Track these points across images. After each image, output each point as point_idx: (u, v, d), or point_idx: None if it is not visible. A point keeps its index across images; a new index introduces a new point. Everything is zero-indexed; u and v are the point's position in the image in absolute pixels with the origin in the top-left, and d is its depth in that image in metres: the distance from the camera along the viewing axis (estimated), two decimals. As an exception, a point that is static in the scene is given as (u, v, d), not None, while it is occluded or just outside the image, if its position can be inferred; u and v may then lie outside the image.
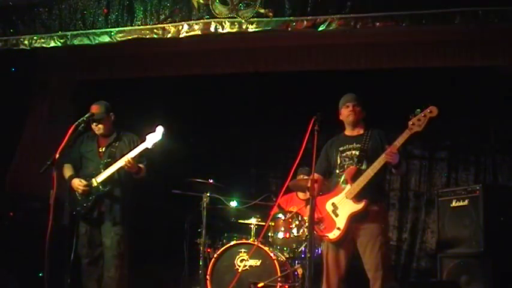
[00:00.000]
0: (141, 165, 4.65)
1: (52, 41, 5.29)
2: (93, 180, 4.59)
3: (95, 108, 4.66)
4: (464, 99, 5.99)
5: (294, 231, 5.22)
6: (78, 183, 4.60)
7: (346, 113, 4.26)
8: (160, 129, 4.53)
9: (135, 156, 4.52)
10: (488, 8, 4.35)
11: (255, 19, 4.79)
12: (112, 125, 4.81)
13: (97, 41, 5.19)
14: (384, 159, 3.92)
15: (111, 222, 4.60)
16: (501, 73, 5.47)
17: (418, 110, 3.89)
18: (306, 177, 5.41)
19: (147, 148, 4.52)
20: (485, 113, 5.99)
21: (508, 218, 4.78)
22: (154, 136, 4.52)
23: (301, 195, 5.78)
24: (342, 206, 4.04)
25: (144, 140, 4.55)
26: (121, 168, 4.54)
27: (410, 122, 3.90)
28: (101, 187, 4.58)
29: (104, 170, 4.59)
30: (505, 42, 5.10)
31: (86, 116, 4.49)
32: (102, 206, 4.62)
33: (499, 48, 5.21)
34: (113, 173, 4.57)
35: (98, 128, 4.72)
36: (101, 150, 4.74)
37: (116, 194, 4.65)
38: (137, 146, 4.57)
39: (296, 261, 5.14)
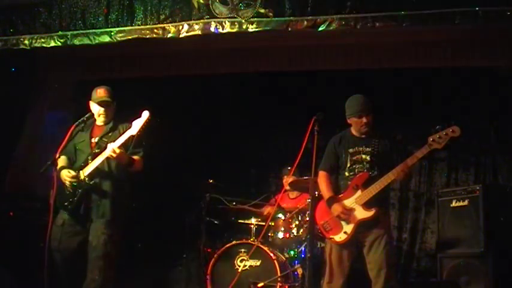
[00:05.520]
0: (135, 157, 4.22)
1: (52, 41, 5.28)
2: (81, 172, 4.14)
3: (102, 92, 4.31)
4: (464, 99, 5.99)
5: (294, 231, 5.23)
6: (66, 175, 4.13)
7: (359, 123, 4.09)
8: (145, 114, 4.11)
9: (120, 146, 4.06)
10: (488, 8, 4.35)
11: (255, 19, 4.79)
12: (113, 114, 4.39)
13: (97, 41, 5.18)
14: (397, 175, 3.84)
15: (99, 219, 4.12)
16: (501, 73, 5.47)
17: (439, 126, 3.82)
18: (286, 177, 5.56)
19: (132, 136, 4.11)
20: (485, 113, 5.99)
21: (508, 218, 4.78)
22: (139, 121, 4.11)
23: (291, 194, 5.83)
24: (351, 211, 4.00)
25: (130, 127, 4.13)
26: (110, 159, 4.11)
27: (430, 138, 3.83)
28: (87, 180, 4.13)
29: (92, 161, 4.14)
30: (505, 42, 5.10)
31: (86, 116, 4.35)
32: (90, 201, 4.14)
33: (499, 48, 5.21)
34: (102, 165, 4.14)
35: (103, 114, 4.30)
36: (93, 141, 4.28)
37: (105, 188, 4.16)
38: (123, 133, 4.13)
39: (296, 261, 5.14)
